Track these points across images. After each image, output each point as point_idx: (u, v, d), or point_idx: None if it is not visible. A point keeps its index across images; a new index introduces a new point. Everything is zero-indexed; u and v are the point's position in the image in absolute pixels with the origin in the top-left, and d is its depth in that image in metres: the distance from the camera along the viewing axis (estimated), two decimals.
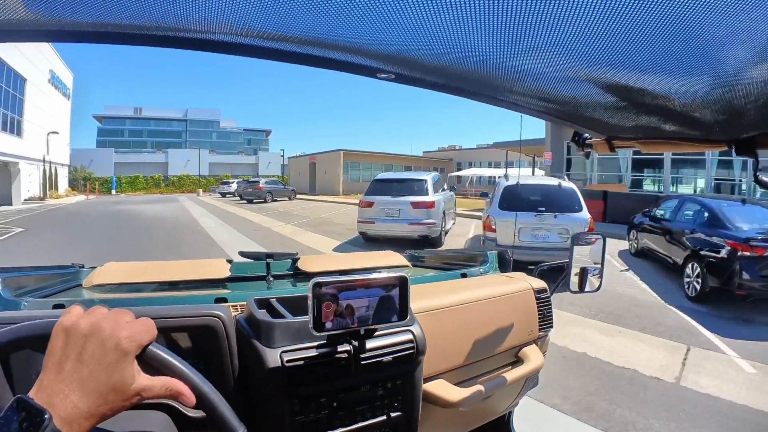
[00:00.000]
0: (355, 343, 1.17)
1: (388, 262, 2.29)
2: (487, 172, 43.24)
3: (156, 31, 0.76)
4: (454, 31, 0.73)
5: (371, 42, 0.81)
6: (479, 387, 1.58)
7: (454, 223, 15.22)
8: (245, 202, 30.55)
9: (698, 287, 7.24)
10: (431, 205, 11.50)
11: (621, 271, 9.42)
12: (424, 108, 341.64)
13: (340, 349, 1.15)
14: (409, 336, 1.28)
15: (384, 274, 1.17)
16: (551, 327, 1.99)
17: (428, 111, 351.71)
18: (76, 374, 0.56)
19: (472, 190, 41.40)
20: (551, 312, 1.99)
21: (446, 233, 12.96)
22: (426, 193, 11.73)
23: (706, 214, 8.05)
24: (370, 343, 1.19)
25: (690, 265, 7.66)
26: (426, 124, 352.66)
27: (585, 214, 8.49)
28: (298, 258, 2.13)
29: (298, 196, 35.04)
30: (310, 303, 1.05)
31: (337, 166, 40.75)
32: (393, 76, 1.01)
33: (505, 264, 2.37)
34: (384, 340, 1.23)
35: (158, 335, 0.78)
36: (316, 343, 1.15)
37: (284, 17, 0.70)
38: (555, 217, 8.33)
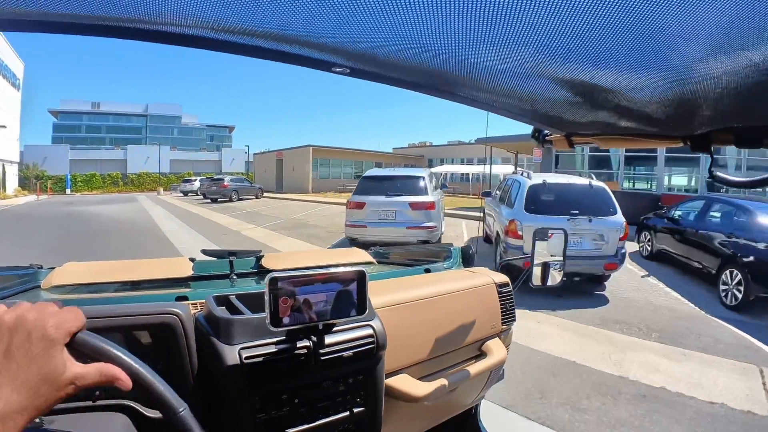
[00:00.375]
0: (315, 339, 1.17)
1: (353, 258, 2.27)
2: (461, 169, 42.45)
3: (100, 21, 0.75)
4: (409, 26, 0.75)
5: (325, 36, 0.82)
6: (443, 381, 1.58)
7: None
8: (209, 201, 28.60)
9: (739, 296, 6.70)
10: (431, 206, 10.10)
11: (642, 276, 8.61)
12: (392, 104, 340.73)
13: (299, 344, 1.16)
14: (369, 331, 1.29)
15: (342, 269, 1.18)
16: (514, 320, 2.01)
17: (397, 107, 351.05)
18: (5, 369, 0.56)
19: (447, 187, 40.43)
20: (513, 306, 2.01)
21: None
22: (425, 192, 10.29)
23: (745, 218, 7.49)
24: (329, 339, 1.20)
25: (728, 273, 7.11)
26: (395, 120, 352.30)
27: (620, 217, 7.46)
28: (262, 256, 2.10)
29: (265, 194, 33.25)
30: (266, 298, 1.06)
31: (305, 163, 39.07)
32: (348, 71, 1.02)
33: (468, 259, 2.41)
34: (343, 335, 1.24)
35: (115, 334, 1.01)
36: (275, 340, 1.15)
37: (235, 9, 0.71)
38: (590, 221, 7.26)
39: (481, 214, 12.50)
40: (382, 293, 1.57)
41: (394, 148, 54.91)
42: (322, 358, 1.17)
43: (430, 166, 49.25)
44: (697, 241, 8.37)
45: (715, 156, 1.24)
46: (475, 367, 1.74)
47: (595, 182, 8.03)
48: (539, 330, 5.66)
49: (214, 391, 1.15)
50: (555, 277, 2.07)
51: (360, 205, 10.22)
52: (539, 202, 7.58)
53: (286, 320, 1.08)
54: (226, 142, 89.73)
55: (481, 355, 1.85)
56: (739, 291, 6.74)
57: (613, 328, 5.83)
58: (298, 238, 13.46)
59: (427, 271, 2.12)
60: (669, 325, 6.01)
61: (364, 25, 0.75)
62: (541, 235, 2.06)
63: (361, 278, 1.19)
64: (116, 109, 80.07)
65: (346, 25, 0.76)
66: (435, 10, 0.68)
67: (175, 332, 1.13)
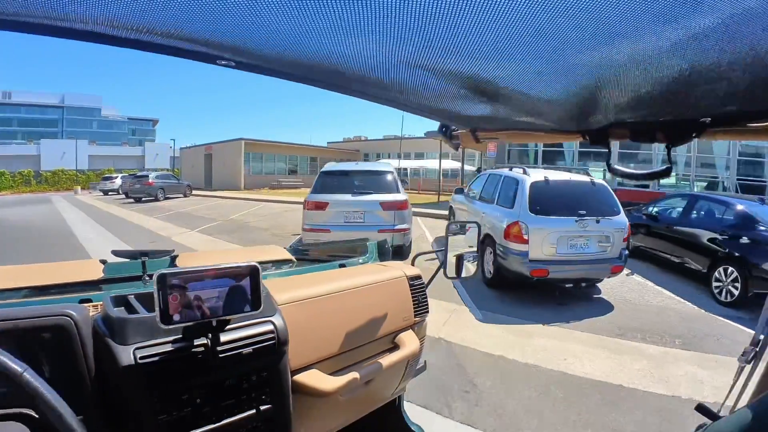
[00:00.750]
0: (211, 336, 1.16)
1: (271, 256, 2.26)
2: (401, 164, 41.71)
3: None
4: (294, 21, 0.77)
5: (207, 30, 0.83)
6: (354, 374, 1.58)
7: None
8: (132, 201, 26.01)
9: (735, 292, 6.73)
10: (404, 205, 8.92)
11: (626, 275, 8.20)
12: (325, 99, 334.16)
13: (196, 342, 1.15)
14: (269, 327, 1.30)
15: (233, 264, 1.17)
16: (427, 312, 2.02)
17: (331, 102, 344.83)
18: None
19: None
20: (426, 298, 2.02)
21: None
22: (396, 189, 9.12)
23: (736, 215, 7.52)
24: (227, 336, 1.21)
25: (721, 270, 7.06)
26: (329, 114, 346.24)
27: (623, 216, 6.96)
28: (176, 255, 2.01)
29: (194, 191, 30.90)
30: (156, 296, 1.06)
31: (237, 158, 36.92)
32: (234, 64, 1.02)
33: (384, 254, 2.45)
34: (242, 332, 1.25)
35: (3, 338, 0.96)
36: (170, 338, 1.14)
37: (118, 5, 0.72)
38: (597, 222, 6.67)
39: (447, 213, 11.96)
40: (291, 289, 1.57)
41: (328, 143, 53.41)
42: (220, 355, 1.18)
43: (366, 159, 48.58)
44: (684, 239, 8.30)
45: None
46: (387, 359, 1.74)
47: (597, 180, 7.45)
48: (566, 349, 4.97)
49: (113, 394, 1.12)
50: (469, 269, 2.13)
51: (321, 206, 8.72)
52: (544, 201, 6.82)
53: (176, 317, 1.08)
54: (149, 136, 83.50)
55: (395, 347, 1.85)
56: (735, 288, 6.73)
57: (635, 337, 5.42)
58: (241, 243, 12.02)
59: (342, 266, 2.12)
60: (685, 330, 5.79)
61: (248, 20, 0.77)
62: (454, 229, 2.10)
63: (253, 273, 1.19)
64: (29, 99, 71.70)
65: (227, 18, 0.77)
66: (316, 4, 0.70)
67: (70, 335, 1.10)
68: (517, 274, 6.69)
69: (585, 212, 6.65)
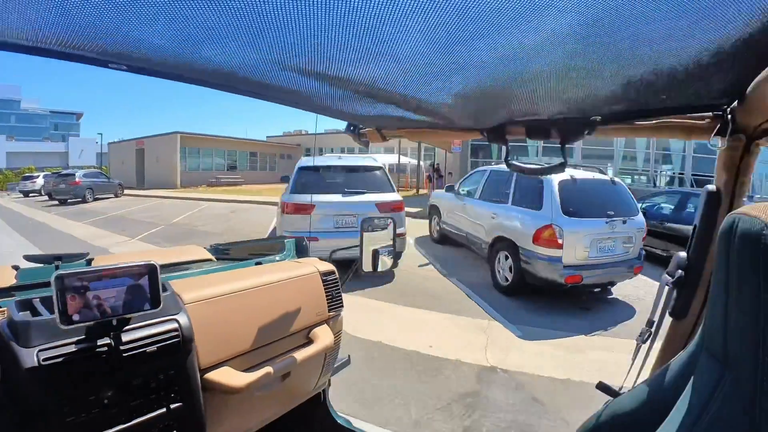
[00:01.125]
0: (113, 335, 1.18)
1: (190, 256, 2.26)
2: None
3: None
4: (184, 25, 0.80)
5: (97, 36, 0.85)
6: (266, 370, 1.58)
7: None
8: (57, 203, 23.57)
9: None
10: (401, 206, 7.91)
11: None
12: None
13: (99, 342, 1.16)
14: (174, 325, 1.31)
15: (130, 262, 1.20)
16: (341, 307, 2.07)
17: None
18: None
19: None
20: (340, 293, 2.07)
21: None
22: (390, 188, 8.07)
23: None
24: (130, 335, 1.22)
25: None
26: (265, 108, 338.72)
27: (641, 217, 6.79)
28: (92, 258, 1.92)
29: (125, 191, 28.56)
30: (54, 297, 1.08)
31: (173, 153, 34.61)
32: (125, 67, 1.04)
33: (302, 251, 2.45)
34: (145, 331, 1.25)
35: None
36: (74, 339, 1.15)
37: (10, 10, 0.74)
38: (624, 222, 6.42)
39: (428, 212, 11.58)
40: (200, 288, 1.57)
41: (268, 137, 51.53)
42: (124, 354, 1.19)
43: (308, 154, 46.95)
44: (673, 234, 8.60)
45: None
46: (301, 354, 1.75)
47: (616, 178, 7.30)
48: (622, 364, 4.22)
49: (21, 397, 1.11)
50: (386, 263, 2.17)
51: (305, 209, 7.22)
52: (574, 202, 6.35)
53: (76, 317, 1.10)
54: (73, 131, 76.95)
55: (310, 342, 1.87)
56: None
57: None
58: None
59: (258, 263, 2.12)
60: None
61: (141, 24, 0.79)
62: (367, 224, 2.15)
63: (152, 271, 1.22)
64: None
65: (119, 24, 0.79)
66: (205, 11, 0.74)
67: None
68: (546, 281, 6.29)
69: (613, 213, 6.36)
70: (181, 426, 1.33)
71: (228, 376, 1.48)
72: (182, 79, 1.17)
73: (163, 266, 1.59)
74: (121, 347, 1.19)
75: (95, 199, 24.59)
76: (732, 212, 0.76)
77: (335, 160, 8.67)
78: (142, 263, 1.21)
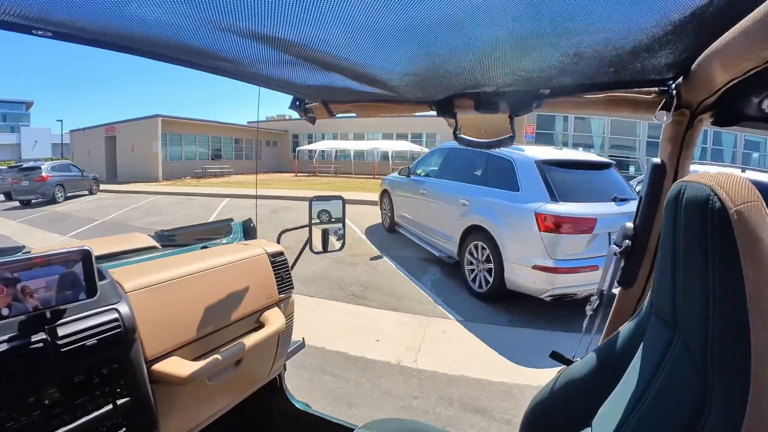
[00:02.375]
0: (48, 329, 1.10)
1: (133, 244, 2.04)
2: (344, 144, 36.12)
3: None
4: None
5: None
6: (216, 358, 1.49)
7: None
8: (18, 205, 18.17)
9: None
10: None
11: None
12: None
13: (33, 338, 1.08)
14: (114, 315, 1.23)
15: (62, 249, 1.12)
16: (291, 288, 2.00)
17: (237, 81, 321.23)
18: None
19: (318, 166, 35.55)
20: (289, 274, 1.99)
21: None
22: (632, 194, 6.17)
23: None
24: (67, 328, 1.14)
25: None
26: (240, 93, 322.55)
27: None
28: (30, 252, 1.70)
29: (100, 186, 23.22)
30: None
31: (152, 140, 29.10)
32: (50, 34, 0.98)
33: (249, 232, 2.36)
34: (83, 324, 1.17)
35: None
36: (6, 336, 1.06)
37: None
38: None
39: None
40: (142, 275, 1.46)
41: (249, 122, 45.90)
42: (62, 350, 1.11)
43: (296, 141, 42.24)
44: None
45: None
46: (252, 339, 1.64)
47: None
48: None
49: None
50: (335, 244, 2.14)
51: (584, 226, 5.00)
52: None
53: (5, 312, 1.02)
54: (23, 121, 69.06)
55: (261, 326, 1.77)
56: None
57: None
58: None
59: (204, 247, 2.00)
60: None
61: None
62: (317, 203, 2.11)
63: (86, 258, 1.13)
64: None
65: None
66: None
67: None
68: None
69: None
70: (130, 422, 1.25)
71: (176, 366, 1.36)
72: (109, 46, 1.08)
73: (104, 256, 1.70)
74: (58, 342, 1.09)
75: (67, 198, 19.33)
76: (679, 180, 0.81)
77: (573, 155, 6.66)
78: (75, 249, 1.11)
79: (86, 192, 21.28)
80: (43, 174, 18.49)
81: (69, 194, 19.70)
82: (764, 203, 0.67)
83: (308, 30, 0.96)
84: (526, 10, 0.86)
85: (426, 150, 32.23)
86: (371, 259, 8.04)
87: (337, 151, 37.59)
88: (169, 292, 1.48)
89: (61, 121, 48.63)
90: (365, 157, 37.31)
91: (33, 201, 18.24)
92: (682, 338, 0.79)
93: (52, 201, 18.37)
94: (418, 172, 8.53)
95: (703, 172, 0.74)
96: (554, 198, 5.16)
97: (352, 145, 36.37)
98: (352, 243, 8.65)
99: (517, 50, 1.08)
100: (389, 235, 9.80)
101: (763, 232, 0.64)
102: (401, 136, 38.33)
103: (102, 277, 1.29)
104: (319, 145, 36.47)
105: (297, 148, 38.34)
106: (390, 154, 34.30)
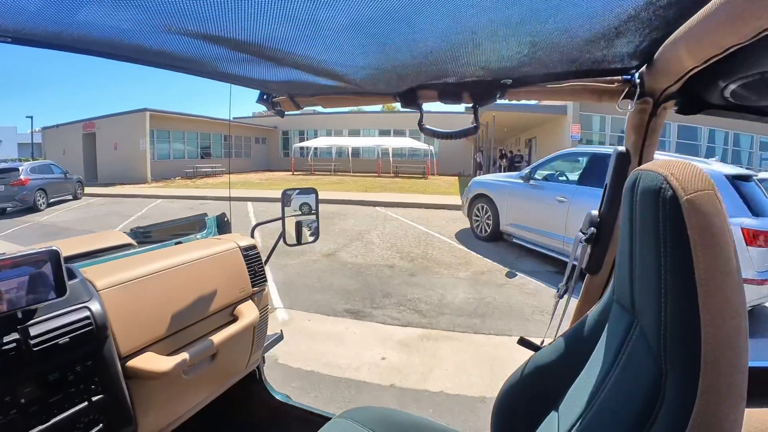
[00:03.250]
0: (19, 329, 1.10)
1: (107, 243, 1.99)
2: (343, 141, 33.58)
3: None
4: None
5: None
6: (190, 351, 1.47)
7: None
8: None
9: None
10: None
11: None
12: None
13: (6, 339, 1.07)
14: (85, 313, 1.23)
15: (29, 250, 1.12)
16: (265, 281, 1.97)
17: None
18: None
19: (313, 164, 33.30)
20: (262, 267, 1.97)
21: None
22: None
23: None
24: (39, 328, 1.13)
25: None
26: (218, 88, 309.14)
27: None
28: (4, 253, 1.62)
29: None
30: None
31: (139, 137, 25.88)
32: (9, 40, 0.98)
33: (223, 226, 2.33)
34: (54, 322, 1.16)
35: None
36: None
37: None
38: None
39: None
40: (115, 273, 1.43)
41: (234, 119, 42.62)
42: (35, 349, 1.10)
43: (286, 138, 39.48)
44: None
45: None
46: (226, 332, 1.63)
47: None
48: None
49: None
50: (307, 237, 2.12)
51: None
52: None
53: None
54: None
55: (235, 319, 1.76)
56: None
57: None
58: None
59: (179, 243, 1.97)
60: None
61: None
62: (289, 196, 2.09)
63: (54, 258, 1.13)
64: None
65: None
66: None
67: None
68: None
69: None
70: (107, 418, 1.25)
71: (151, 362, 1.35)
72: (69, 48, 1.08)
73: (78, 255, 1.67)
74: (31, 341, 1.09)
75: (49, 205, 16.23)
76: (636, 169, 0.80)
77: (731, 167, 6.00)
78: (43, 250, 1.12)
79: (70, 196, 18.14)
80: (22, 177, 15.29)
81: (51, 200, 16.59)
82: (718, 192, 0.66)
83: (259, 29, 0.96)
84: (479, 1, 0.86)
85: (431, 147, 31.10)
86: (507, 276, 6.70)
87: (336, 149, 35.01)
88: (142, 288, 1.45)
89: (31, 117, 44.00)
90: (362, 155, 35.56)
91: (9, 209, 15.08)
92: (640, 324, 0.80)
93: (33, 209, 15.27)
94: (538, 176, 7.82)
95: (659, 160, 0.76)
96: (753, 212, 4.94)
97: (353, 142, 34.02)
98: (457, 254, 8.04)
99: (474, 41, 1.06)
100: (490, 244, 8.65)
101: (715, 220, 0.64)
102: (399, 133, 36.45)
103: (72, 276, 1.28)
104: (317, 142, 33.88)
105: (294, 145, 35.58)
106: (390, 151, 32.28)
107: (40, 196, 15.78)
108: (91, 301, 1.26)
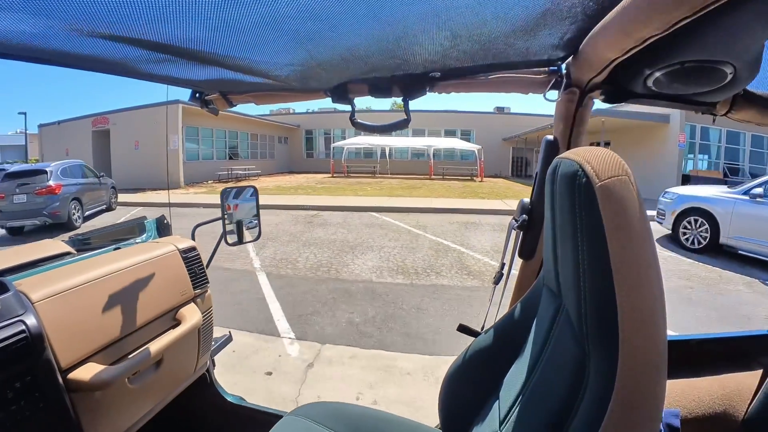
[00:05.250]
0: None
1: (44, 253, 1.82)
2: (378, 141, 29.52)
3: None
4: None
5: None
6: (132, 359, 1.42)
7: None
8: (6, 234, 9.89)
9: None
10: None
11: None
12: None
13: None
14: (19, 327, 1.13)
15: None
16: (206, 283, 1.87)
17: None
18: None
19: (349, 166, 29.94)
20: (203, 269, 1.87)
21: None
22: None
23: None
24: None
25: None
26: None
27: None
28: None
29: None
30: None
31: (169, 133, 20.68)
32: None
33: (163, 229, 2.21)
34: None
35: None
36: None
37: None
38: None
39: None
40: (50, 283, 1.33)
41: (255, 116, 37.62)
42: None
43: (309, 138, 34.93)
44: None
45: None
46: (168, 337, 1.54)
47: None
48: None
49: None
50: (252, 234, 2.06)
51: None
52: None
53: None
54: None
55: (178, 323, 1.67)
56: None
57: None
58: None
59: (117, 248, 1.83)
60: None
61: None
62: (227, 195, 2.00)
63: None
64: None
65: None
66: None
67: None
68: None
69: None
70: None
71: (92, 372, 1.27)
72: None
73: (12, 268, 1.55)
74: None
75: (85, 219, 11.30)
76: (557, 156, 0.80)
77: None
78: None
79: (104, 206, 13.18)
80: (51, 182, 10.33)
81: (87, 212, 11.67)
82: (632, 177, 0.67)
83: (174, 31, 0.92)
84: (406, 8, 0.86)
85: (476, 147, 27.39)
86: None
87: (382, 149, 30.82)
88: (80, 297, 1.36)
89: (25, 113, 37.79)
90: (402, 156, 33.36)
91: (24, 228, 10.17)
92: (566, 308, 0.80)
93: (67, 225, 10.36)
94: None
95: (578, 148, 0.76)
96: None
97: (400, 143, 30.12)
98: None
99: (395, 34, 1.04)
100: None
101: (629, 204, 0.65)
102: (433, 133, 32.76)
103: (5, 290, 1.22)
104: (357, 141, 29.33)
105: (333, 145, 31.04)
106: (434, 152, 29.15)
107: (75, 208, 10.88)
108: (25, 314, 1.17)
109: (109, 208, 13.42)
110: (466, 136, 33.17)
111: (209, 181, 22.23)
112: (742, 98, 1.22)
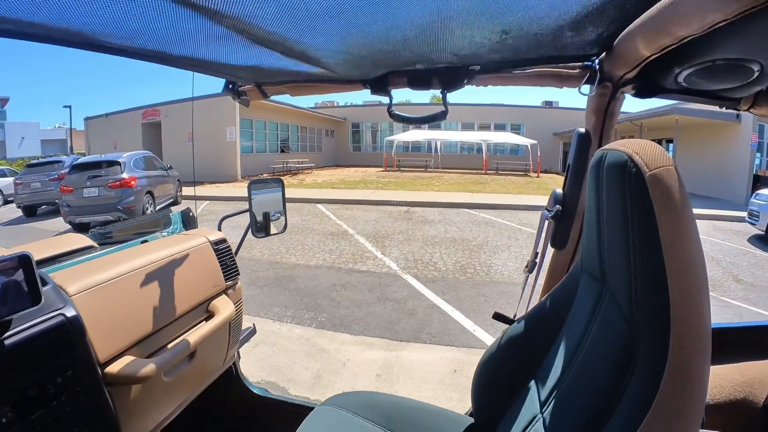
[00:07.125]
0: None
1: (68, 246, 1.76)
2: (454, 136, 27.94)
3: None
4: None
5: None
6: (169, 352, 1.35)
7: None
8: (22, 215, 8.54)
9: None
10: None
11: None
12: None
13: None
14: (61, 321, 1.06)
15: None
16: (237, 275, 1.80)
17: None
18: None
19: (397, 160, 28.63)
20: (234, 261, 1.80)
21: None
22: None
23: None
24: (13, 339, 0.97)
25: None
26: None
27: None
28: None
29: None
30: None
31: (225, 125, 19.24)
32: None
33: (189, 222, 2.09)
34: (29, 332, 0.99)
35: None
36: None
37: None
38: None
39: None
40: (84, 276, 1.26)
41: (300, 107, 36.07)
42: (11, 363, 0.96)
43: (356, 131, 33.37)
44: None
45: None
46: (203, 329, 1.48)
47: None
48: None
49: None
50: (277, 226, 1.99)
51: None
52: None
53: None
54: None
55: (211, 315, 1.62)
56: None
57: None
58: None
59: (144, 242, 1.75)
60: None
61: None
62: (256, 187, 1.91)
63: (25, 263, 0.96)
64: None
65: None
66: None
67: None
68: None
69: None
70: (91, 429, 1.11)
71: (130, 366, 1.21)
72: (29, 37, 0.98)
73: (41, 260, 1.47)
74: (6, 356, 0.94)
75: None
76: (600, 148, 0.81)
77: None
78: (14, 255, 0.95)
79: (171, 200, 11.52)
80: (125, 175, 8.72)
81: (159, 207, 10.02)
82: (677, 168, 0.68)
83: (239, 2, 0.88)
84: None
85: (531, 141, 25.89)
86: None
87: (436, 143, 29.16)
88: (114, 290, 1.30)
89: (70, 107, 36.59)
90: (454, 150, 31.44)
91: (94, 225, 8.42)
92: (610, 291, 0.81)
93: (153, 231, 8.74)
94: None
95: (622, 140, 0.77)
96: None
97: (451, 137, 28.36)
98: None
99: (447, 28, 1.02)
100: None
101: (675, 191, 0.66)
102: (483, 127, 30.84)
103: (44, 282, 1.11)
104: (409, 136, 27.56)
105: (386, 138, 29.31)
106: (485, 147, 27.09)
107: (149, 202, 9.22)
108: (65, 307, 1.10)
109: (175, 202, 11.76)
110: (516, 130, 31.12)
111: (264, 174, 20.57)
112: (765, 94, 1.17)
